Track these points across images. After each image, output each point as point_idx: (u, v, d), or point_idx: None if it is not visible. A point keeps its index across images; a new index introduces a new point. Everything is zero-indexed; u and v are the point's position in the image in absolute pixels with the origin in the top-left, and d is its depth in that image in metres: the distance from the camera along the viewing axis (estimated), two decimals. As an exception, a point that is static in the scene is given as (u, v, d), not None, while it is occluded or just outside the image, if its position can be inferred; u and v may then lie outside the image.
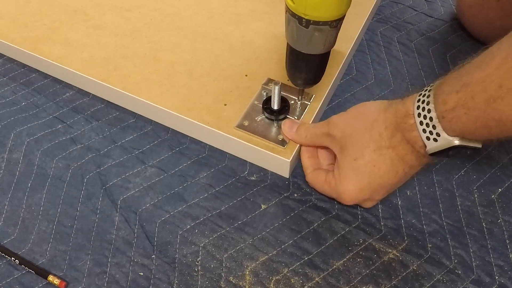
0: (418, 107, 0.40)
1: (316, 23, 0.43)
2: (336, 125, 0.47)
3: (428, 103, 0.39)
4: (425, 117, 0.39)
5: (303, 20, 0.43)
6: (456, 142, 0.39)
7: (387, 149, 0.43)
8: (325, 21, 0.42)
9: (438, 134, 0.39)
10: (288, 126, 0.53)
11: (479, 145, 0.39)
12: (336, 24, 0.44)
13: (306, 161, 0.52)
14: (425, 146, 0.40)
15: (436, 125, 0.39)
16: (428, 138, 0.40)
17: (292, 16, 0.43)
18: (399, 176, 0.45)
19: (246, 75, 0.60)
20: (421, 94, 0.41)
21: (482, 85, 0.35)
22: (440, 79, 0.40)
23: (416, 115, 0.40)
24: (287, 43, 0.48)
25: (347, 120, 0.47)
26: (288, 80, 0.59)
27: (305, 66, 0.49)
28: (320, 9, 0.41)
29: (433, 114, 0.39)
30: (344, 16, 0.44)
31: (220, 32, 0.66)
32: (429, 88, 0.40)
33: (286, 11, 0.44)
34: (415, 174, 0.46)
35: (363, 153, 0.44)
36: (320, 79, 0.51)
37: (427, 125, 0.39)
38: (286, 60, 0.50)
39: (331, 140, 0.48)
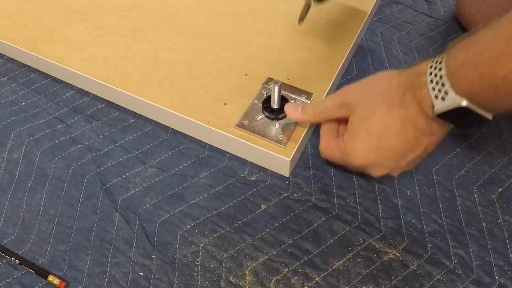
0: (431, 66, 0.40)
1: None
2: (349, 92, 0.47)
3: (440, 62, 0.39)
4: (435, 75, 0.39)
5: None
6: (464, 103, 0.38)
7: (398, 108, 0.43)
8: None
9: (446, 92, 0.38)
10: (291, 109, 0.52)
11: (489, 116, 0.38)
12: None
13: (323, 136, 0.52)
14: (433, 107, 0.40)
15: (444, 82, 0.38)
16: (436, 97, 0.39)
17: None
18: (409, 140, 0.43)
19: (246, 75, 0.60)
20: (437, 56, 0.41)
21: (490, 42, 0.36)
22: (458, 39, 0.40)
23: (428, 73, 0.40)
24: None
25: (360, 86, 0.47)
26: (288, 80, 0.59)
27: None
28: None
29: (443, 71, 0.39)
30: None
31: (220, 32, 0.66)
32: (447, 48, 0.40)
33: None
34: (430, 150, 0.45)
35: (374, 112, 0.44)
36: None
37: (437, 82, 0.39)
38: None
39: (346, 108, 0.47)
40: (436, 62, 0.40)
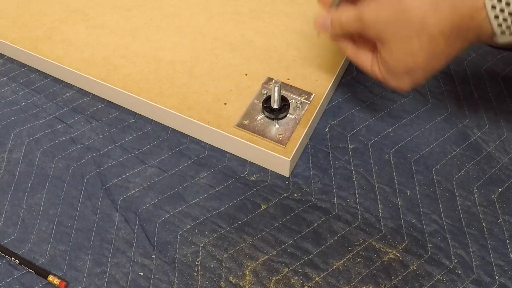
0: None
1: None
2: (373, 27, 0.41)
3: None
4: (502, 10, 0.34)
5: None
6: None
7: (443, 50, 0.39)
8: None
9: None
10: (321, 25, 0.47)
11: None
12: None
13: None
14: (494, 36, 0.36)
15: None
16: (503, 33, 0.35)
17: None
18: (455, 53, 0.40)
19: (246, 74, 0.60)
20: None
21: None
22: None
23: (489, 8, 0.35)
24: None
25: (386, 23, 0.40)
26: (288, 79, 0.59)
27: None
28: None
29: None
30: None
31: (220, 32, 0.66)
32: None
33: None
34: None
35: (414, 60, 0.40)
36: None
37: (505, 19, 0.34)
38: None
39: (375, 40, 0.43)
40: None
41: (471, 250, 0.48)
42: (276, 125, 0.54)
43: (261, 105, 0.55)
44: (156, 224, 0.51)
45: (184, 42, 0.65)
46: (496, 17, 0.35)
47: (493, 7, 0.34)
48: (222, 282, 0.47)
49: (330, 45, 0.63)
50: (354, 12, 0.43)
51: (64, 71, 0.63)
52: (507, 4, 0.34)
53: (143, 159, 0.56)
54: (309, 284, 0.46)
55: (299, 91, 0.58)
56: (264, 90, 0.58)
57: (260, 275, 0.47)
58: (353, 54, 0.47)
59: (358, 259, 0.48)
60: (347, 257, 0.48)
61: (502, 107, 0.59)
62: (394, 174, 0.54)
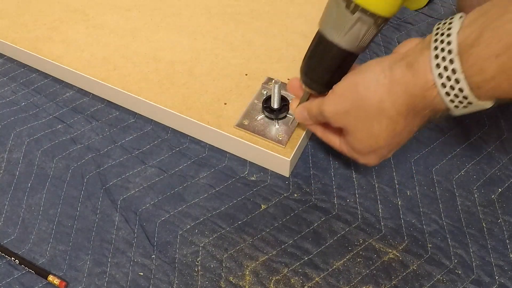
0: (440, 75, 0.35)
1: (365, 11, 0.39)
2: (334, 119, 0.44)
3: (454, 71, 0.34)
4: (452, 87, 0.34)
5: (352, 4, 0.39)
6: (490, 104, 0.35)
7: (403, 128, 0.40)
8: (373, 12, 0.39)
9: (470, 103, 0.35)
10: (299, 113, 0.50)
11: (490, 104, 0.36)
12: (380, 22, 0.40)
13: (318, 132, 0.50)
14: (449, 110, 0.37)
15: (468, 95, 0.34)
16: (457, 107, 0.36)
17: None
18: (415, 130, 0.42)
19: (246, 74, 0.60)
20: (437, 56, 0.35)
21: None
22: (460, 29, 0.34)
23: (439, 86, 0.35)
24: (318, 33, 0.44)
25: (346, 112, 0.42)
26: (288, 79, 0.59)
27: (328, 61, 0.44)
28: None
29: (463, 85, 0.34)
30: (388, 20, 0.41)
31: (220, 32, 0.66)
32: (446, 47, 0.34)
33: None
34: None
35: (377, 141, 0.42)
36: (331, 87, 0.44)
37: (456, 96, 0.35)
38: (308, 54, 0.46)
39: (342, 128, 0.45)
40: (446, 69, 0.34)
41: (471, 250, 0.48)
42: (276, 125, 0.54)
43: (261, 105, 0.55)
44: (156, 224, 0.51)
45: (184, 42, 0.65)
46: (447, 94, 0.36)
47: (443, 85, 0.35)
48: (222, 282, 0.47)
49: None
50: (317, 106, 0.46)
51: (64, 71, 0.63)
52: (456, 81, 0.35)
53: (143, 159, 0.56)
54: (309, 284, 0.46)
55: (299, 91, 0.57)
56: (264, 90, 0.58)
57: (260, 275, 0.47)
58: (323, 136, 0.50)
59: (358, 259, 0.48)
60: (347, 257, 0.48)
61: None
62: (394, 174, 0.54)
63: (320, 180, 0.53)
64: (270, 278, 0.47)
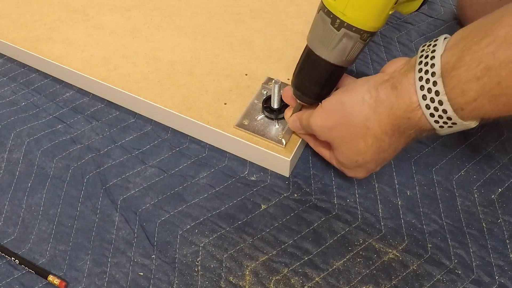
0: (424, 97, 0.35)
1: (350, 27, 0.40)
2: (320, 134, 0.45)
3: (437, 93, 0.34)
4: (436, 109, 0.35)
5: (338, 20, 0.40)
6: (474, 124, 0.36)
7: (389, 146, 0.42)
8: (358, 28, 0.40)
9: (454, 123, 0.36)
10: (292, 122, 0.51)
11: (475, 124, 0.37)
12: (366, 37, 0.41)
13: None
14: (435, 130, 0.38)
15: (452, 116, 0.35)
16: (441, 127, 0.37)
17: (326, 15, 0.41)
18: (400, 147, 0.43)
19: (246, 74, 0.60)
20: (421, 78, 0.36)
21: (509, 67, 0.31)
22: (444, 51, 0.35)
23: (423, 107, 0.36)
24: (306, 48, 0.46)
25: (332, 128, 0.44)
26: (288, 79, 0.59)
27: (317, 75, 0.45)
28: (360, 12, 0.39)
29: (447, 107, 0.35)
30: (375, 33, 0.42)
31: (220, 32, 0.66)
32: (430, 69, 0.35)
33: (320, 9, 0.42)
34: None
35: (363, 157, 0.43)
36: (323, 98, 0.45)
37: (440, 116, 0.36)
38: (297, 68, 0.48)
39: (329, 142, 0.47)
40: (429, 91, 0.35)
41: (471, 250, 0.48)
42: (276, 125, 0.54)
43: (261, 105, 0.55)
44: (156, 224, 0.51)
45: (184, 42, 0.65)
46: (432, 115, 0.36)
47: (427, 106, 0.36)
48: (222, 282, 0.47)
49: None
50: (306, 118, 0.47)
51: (64, 71, 0.63)
52: (440, 103, 0.35)
53: (143, 159, 0.56)
54: (309, 284, 0.46)
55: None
56: (264, 90, 0.58)
57: (260, 275, 0.47)
58: (314, 147, 0.51)
59: (358, 259, 0.48)
60: (347, 257, 0.48)
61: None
62: (394, 174, 0.54)
63: (320, 180, 0.53)
64: (270, 278, 0.47)
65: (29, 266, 0.48)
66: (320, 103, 0.45)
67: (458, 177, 0.53)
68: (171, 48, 0.64)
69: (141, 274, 0.48)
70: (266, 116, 0.55)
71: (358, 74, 0.64)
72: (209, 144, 0.57)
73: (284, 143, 0.53)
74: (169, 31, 0.67)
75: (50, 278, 0.47)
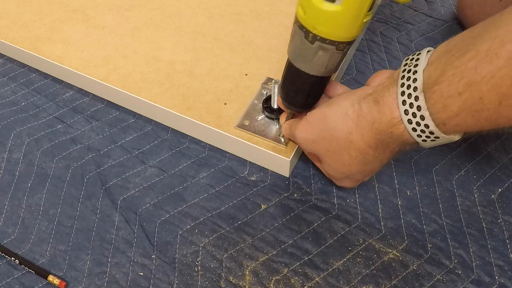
0: (406, 112, 0.35)
1: (323, 40, 0.39)
2: (305, 147, 0.46)
3: (419, 108, 0.34)
4: (418, 123, 0.35)
5: (310, 34, 0.40)
6: (457, 138, 0.36)
7: (373, 158, 0.42)
8: (332, 40, 0.39)
9: (437, 137, 0.36)
10: (285, 129, 0.51)
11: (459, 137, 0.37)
12: (342, 47, 0.40)
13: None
14: (418, 144, 0.38)
15: (434, 131, 0.35)
16: (424, 141, 0.37)
17: (300, 29, 0.41)
18: (385, 160, 0.43)
19: (246, 75, 0.60)
20: (403, 93, 0.35)
21: (491, 83, 0.30)
22: (426, 66, 0.35)
23: (405, 122, 0.36)
24: (288, 61, 0.45)
25: (315, 141, 0.44)
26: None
27: (299, 86, 0.45)
28: (331, 26, 0.39)
29: (429, 122, 0.35)
30: (353, 41, 0.41)
31: (220, 32, 0.66)
32: (412, 84, 0.35)
33: (295, 22, 0.42)
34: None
35: (349, 169, 0.44)
36: (311, 107, 0.47)
37: (423, 131, 0.36)
38: (282, 79, 0.47)
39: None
40: (411, 106, 0.35)
41: (471, 250, 0.48)
42: (277, 125, 0.54)
43: (261, 105, 0.55)
44: (156, 224, 0.51)
45: (184, 42, 0.65)
46: (414, 129, 0.36)
47: (409, 121, 0.36)
48: (222, 282, 0.47)
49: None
50: (291, 130, 0.47)
51: (64, 71, 0.63)
52: (422, 118, 0.35)
53: (143, 159, 0.56)
54: (309, 284, 0.46)
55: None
56: (264, 90, 0.58)
57: (260, 275, 0.47)
58: (307, 154, 0.51)
59: (358, 259, 0.48)
60: (347, 257, 0.48)
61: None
62: (394, 174, 0.54)
63: (320, 180, 0.53)
64: (270, 278, 0.47)
65: (29, 266, 0.48)
66: (305, 115, 0.45)
67: (458, 177, 0.53)
68: (171, 48, 0.64)
69: (141, 274, 0.48)
70: (267, 116, 0.55)
71: (358, 74, 0.64)
72: (209, 144, 0.58)
73: (285, 144, 0.53)
74: (169, 31, 0.67)
75: (50, 278, 0.47)
